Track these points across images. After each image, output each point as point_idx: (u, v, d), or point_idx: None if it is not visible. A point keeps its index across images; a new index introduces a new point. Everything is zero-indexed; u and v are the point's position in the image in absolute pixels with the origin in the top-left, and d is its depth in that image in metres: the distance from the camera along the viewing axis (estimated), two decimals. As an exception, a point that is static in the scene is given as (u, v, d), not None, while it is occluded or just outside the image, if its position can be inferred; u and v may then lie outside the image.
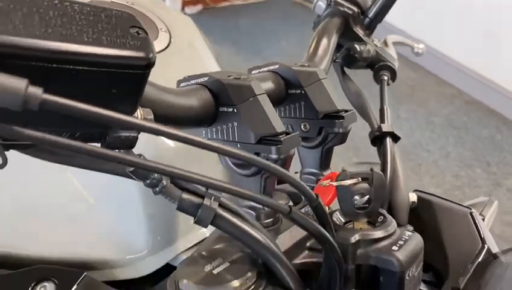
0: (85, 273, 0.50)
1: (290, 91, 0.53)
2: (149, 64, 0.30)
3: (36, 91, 0.24)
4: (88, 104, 0.25)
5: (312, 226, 0.37)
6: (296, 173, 0.81)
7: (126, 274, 0.56)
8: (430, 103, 2.87)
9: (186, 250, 0.59)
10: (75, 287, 0.49)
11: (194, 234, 0.61)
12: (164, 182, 0.36)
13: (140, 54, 0.29)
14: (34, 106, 0.24)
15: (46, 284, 0.49)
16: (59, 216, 0.56)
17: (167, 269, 0.58)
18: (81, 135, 0.32)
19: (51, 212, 0.56)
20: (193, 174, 0.31)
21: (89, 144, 0.28)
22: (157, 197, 0.58)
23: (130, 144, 0.34)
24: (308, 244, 0.47)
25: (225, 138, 0.45)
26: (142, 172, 0.35)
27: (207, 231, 0.61)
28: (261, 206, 0.46)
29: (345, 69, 0.74)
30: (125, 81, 0.30)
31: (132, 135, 0.34)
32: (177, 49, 0.69)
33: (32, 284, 0.49)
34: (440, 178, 2.33)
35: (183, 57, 0.70)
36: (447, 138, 2.59)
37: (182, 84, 0.47)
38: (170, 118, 0.40)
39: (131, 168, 0.35)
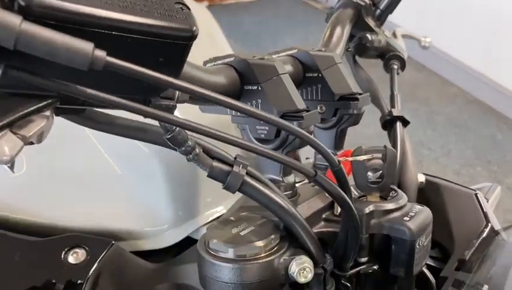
0: (113, 242, 0.54)
1: (307, 74, 0.56)
2: (193, 36, 0.33)
3: (101, 54, 0.27)
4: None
5: (334, 189, 0.41)
6: (307, 158, 0.85)
7: (149, 245, 0.60)
8: (432, 101, 2.90)
9: (205, 224, 0.62)
10: (104, 254, 0.53)
11: (213, 210, 0.64)
12: (197, 150, 0.39)
13: (186, 27, 0.32)
14: (99, 67, 0.27)
15: (78, 250, 0.53)
16: (87, 187, 0.60)
17: (187, 242, 0.61)
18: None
19: (79, 183, 0.59)
20: (233, 137, 0.34)
21: (141, 105, 0.31)
22: (179, 173, 0.62)
23: (170, 112, 0.37)
24: (324, 215, 0.51)
25: None
26: (178, 139, 0.38)
27: (224, 209, 0.65)
28: (281, 179, 0.50)
29: (357, 58, 0.77)
30: (171, 51, 0.33)
31: (171, 103, 0.37)
32: (198, 38, 0.72)
33: (66, 249, 0.52)
34: (441, 175, 2.35)
35: (202, 44, 0.73)
36: (449, 136, 2.63)
37: (208, 65, 0.50)
38: None
39: (169, 136, 0.38)
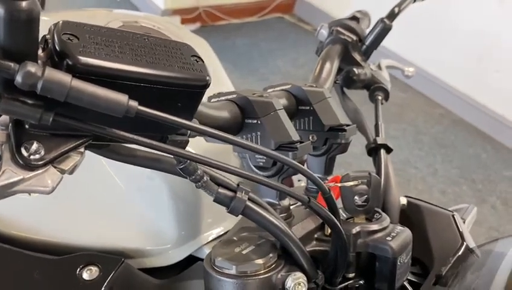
0: (123, 260, 0.59)
1: (300, 107, 0.62)
2: (206, 85, 0.39)
3: (134, 104, 0.33)
4: (163, 113, 0.35)
5: (325, 213, 0.47)
6: (299, 180, 0.91)
7: (154, 263, 0.65)
8: (418, 122, 2.99)
9: (206, 243, 0.67)
10: (115, 271, 0.58)
11: (212, 231, 0.69)
12: (205, 178, 0.45)
13: (202, 77, 0.38)
14: (132, 114, 0.33)
15: (91, 267, 0.58)
16: (98, 209, 0.65)
17: (190, 260, 0.66)
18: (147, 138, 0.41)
19: (91, 205, 0.65)
20: (238, 169, 0.40)
21: (162, 143, 0.37)
22: (182, 197, 0.67)
23: (184, 146, 0.43)
24: (316, 235, 0.56)
25: None
26: (189, 169, 0.44)
27: (223, 229, 0.70)
28: (277, 202, 0.55)
29: (344, 89, 0.84)
30: (188, 98, 0.39)
31: (185, 139, 0.43)
32: None
33: (80, 267, 0.57)
34: (428, 194, 2.43)
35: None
36: (435, 156, 2.71)
37: (213, 100, 0.56)
38: (208, 126, 0.49)
39: (181, 166, 0.44)
